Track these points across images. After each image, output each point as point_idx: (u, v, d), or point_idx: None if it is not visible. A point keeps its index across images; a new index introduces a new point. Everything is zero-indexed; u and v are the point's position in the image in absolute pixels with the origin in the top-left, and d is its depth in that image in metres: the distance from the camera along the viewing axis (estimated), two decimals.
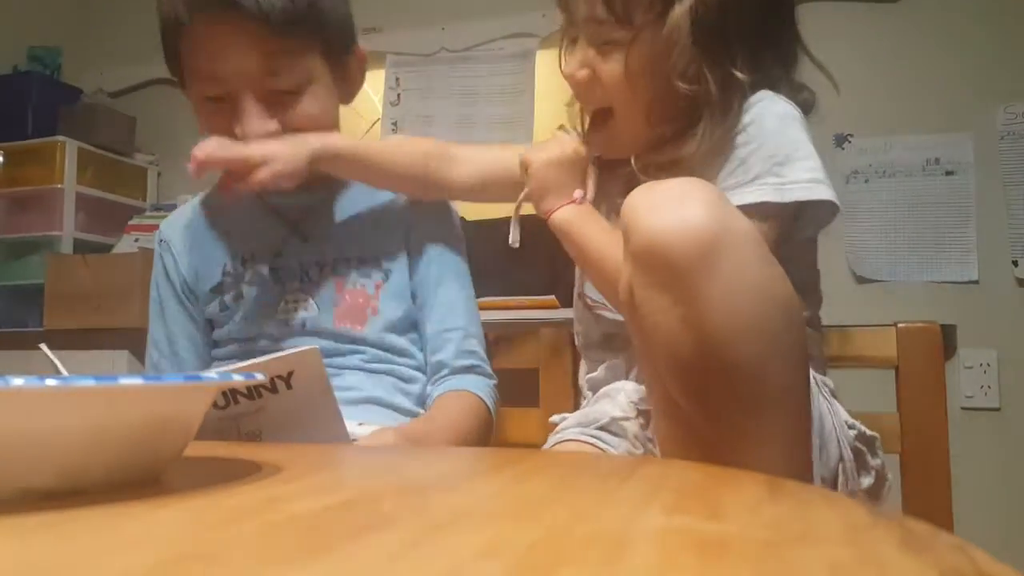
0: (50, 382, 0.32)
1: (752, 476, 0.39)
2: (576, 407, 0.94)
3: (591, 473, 0.42)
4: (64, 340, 2.02)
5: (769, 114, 0.76)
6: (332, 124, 0.99)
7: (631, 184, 0.83)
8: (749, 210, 0.72)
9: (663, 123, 0.80)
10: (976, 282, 1.94)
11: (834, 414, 0.75)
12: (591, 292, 0.90)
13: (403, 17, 2.39)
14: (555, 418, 0.93)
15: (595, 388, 0.90)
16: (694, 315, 0.57)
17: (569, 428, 0.87)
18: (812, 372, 0.76)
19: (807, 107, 0.81)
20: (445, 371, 0.99)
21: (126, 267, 2.05)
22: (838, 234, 2.00)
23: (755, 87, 0.78)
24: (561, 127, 0.92)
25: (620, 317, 0.84)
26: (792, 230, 0.78)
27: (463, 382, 0.99)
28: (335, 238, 1.01)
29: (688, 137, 0.78)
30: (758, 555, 0.24)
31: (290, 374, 0.68)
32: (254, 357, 0.92)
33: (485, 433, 0.99)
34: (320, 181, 1.00)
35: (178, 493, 0.35)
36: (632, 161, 0.83)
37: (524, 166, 0.89)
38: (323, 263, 0.99)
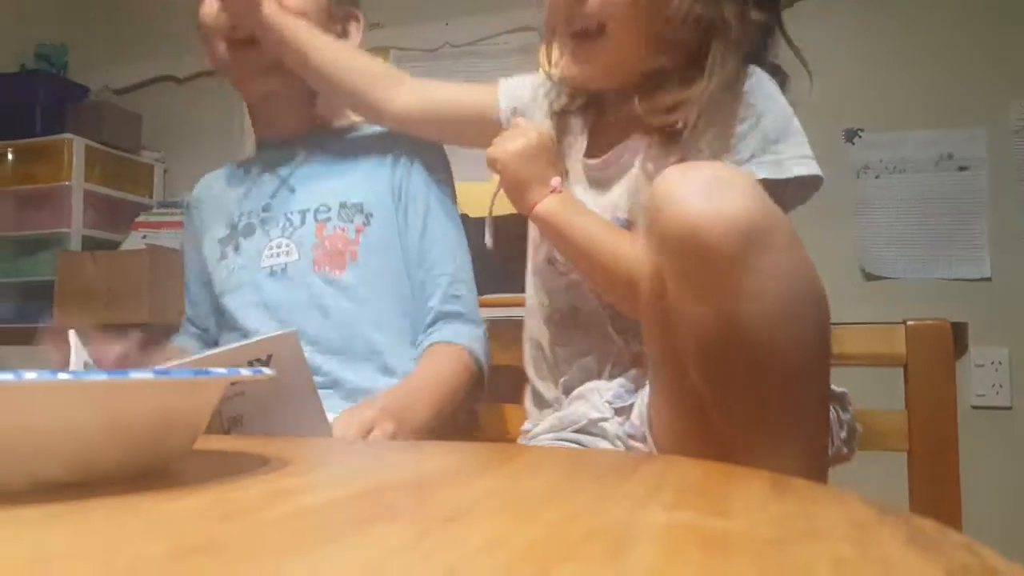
0: (62, 376, 0.33)
1: (756, 473, 0.38)
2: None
3: (593, 469, 0.42)
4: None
5: (762, 91, 0.76)
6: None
7: (627, 130, 0.83)
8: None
9: (663, 52, 0.78)
10: (988, 279, 1.92)
11: None
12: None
13: (406, 12, 2.38)
14: (526, 425, 0.91)
15: (567, 391, 0.87)
16: (730, 306, 0.56)
17: (542, 435, 0.85)
18: None
19: (782, 88, 0.80)
20: (431, 316, 1.01)
21: (134, 264, 2.06)
22: (848, 230, 1.99)
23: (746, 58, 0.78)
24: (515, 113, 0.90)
25: (587, 286, 0.83)
26: (785, 205, 0.77)
27: (449, 332, 0.99)
28: (319, 186, 1.05)
29: (694, 75, 0.76)
30: (762, 552, 0.24)
31: (268, 357, 0.69)
32: (241, 309, 1.00)
33: (475, 387, 1.00)
34: (306, 132, 1.09)
35: (187, 485, 0.35)
36: (636, 103, 0.79)
37: (491, 163, 0.86)
38: (305, 210, 1.03)
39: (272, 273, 1.00)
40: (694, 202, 0.55)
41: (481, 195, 0.95)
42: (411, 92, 0.99)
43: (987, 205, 1.94)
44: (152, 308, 2.02)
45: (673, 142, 0.78)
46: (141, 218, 2.41)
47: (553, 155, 0.85)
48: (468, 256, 1.06)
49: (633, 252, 0.71)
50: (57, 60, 2.58)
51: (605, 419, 0.79)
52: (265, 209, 1.06)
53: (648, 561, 0.22)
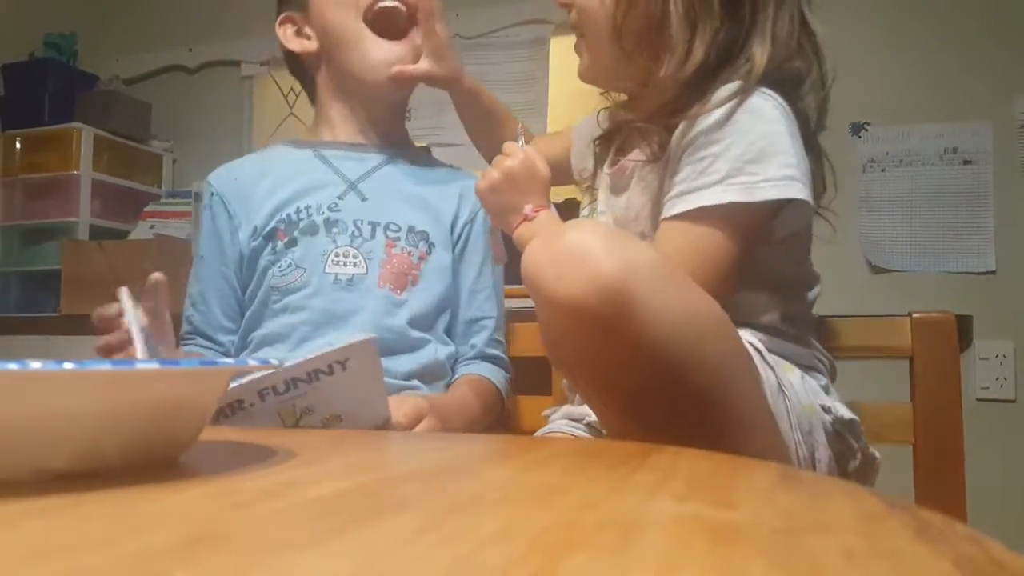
0: (67, 365, 0.33)
1: (764, 465, 0.39)
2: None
3: (603, 461, 0.42)
4: (80, 326, 2.03)
5: (743, 110, 0.74)
6: None
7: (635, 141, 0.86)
8: (713, 212, 0.72)
9: (631, 42, 0.82)
10: (993, 273, 1.92)
11: (791, 408, 0.72)
12: None
13: None
14: (547, 412, 0.94)
15: None
16: (634, 363, 0.57)
17: (558, 420, 0.88)
18: (795, 371, 0.76)
19: (799, 78, 0.79)
20: (474, 353, 1.06)
21: (142, 253, 2.07)
22: (853, 223, 1.99)
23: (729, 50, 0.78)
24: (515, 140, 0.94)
25: None
26: (770, 230, 0.77)
27: (483, 369, 1.05)
28: (391, 203, 1.05)
29: (661, 62, 0.79)
30: (770, 542, 0.24)
31: (346, 360, 0.74)
32: (295, 312, 0.99)
33: (494, 414, 1.04)
34: (383, 146, 1.09)
35: (194, 476, 0.35)
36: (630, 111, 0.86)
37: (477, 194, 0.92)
38: (376, 223, 1.02)
39: (336, 280, 0.99)
40: (565, 280, 0.56)
41: None
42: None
43: (992, 199, 1.93)
44: None
45: (657, 157, 0.81)
46: (149, 208, 2.42)
47: (536, 177, 0.87)
48: (503, 298, 1.11)
49: None
50: (66, 49, 2.58)
51: None
52: (332, 209, 1.03)
53: (657, 551, 0.22)
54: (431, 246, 1.04)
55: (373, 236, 1.02)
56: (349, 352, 0.74)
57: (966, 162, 1.96)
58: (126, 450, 0.35)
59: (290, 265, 1.00)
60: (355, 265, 1.00)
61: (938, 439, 0.90)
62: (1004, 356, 1.88)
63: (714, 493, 0.32)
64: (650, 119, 0.80)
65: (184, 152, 2.64)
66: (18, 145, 2.39)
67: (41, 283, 2.27)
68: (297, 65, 1.12)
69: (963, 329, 0.94)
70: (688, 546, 0.23)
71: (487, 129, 1.11)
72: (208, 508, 0.29)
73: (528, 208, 0.85)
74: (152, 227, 2.32)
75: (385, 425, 0.80)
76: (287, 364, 0.73)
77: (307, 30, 1.08)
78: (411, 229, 1.03)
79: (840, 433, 0.74)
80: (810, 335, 0.83)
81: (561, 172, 1.01)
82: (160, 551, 0.22)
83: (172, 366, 0.36)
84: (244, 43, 2.53)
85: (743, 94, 0.74)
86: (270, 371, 0.70)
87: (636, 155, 0.85)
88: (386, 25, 1.04)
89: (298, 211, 1.03)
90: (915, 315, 0.94)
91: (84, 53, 2.64)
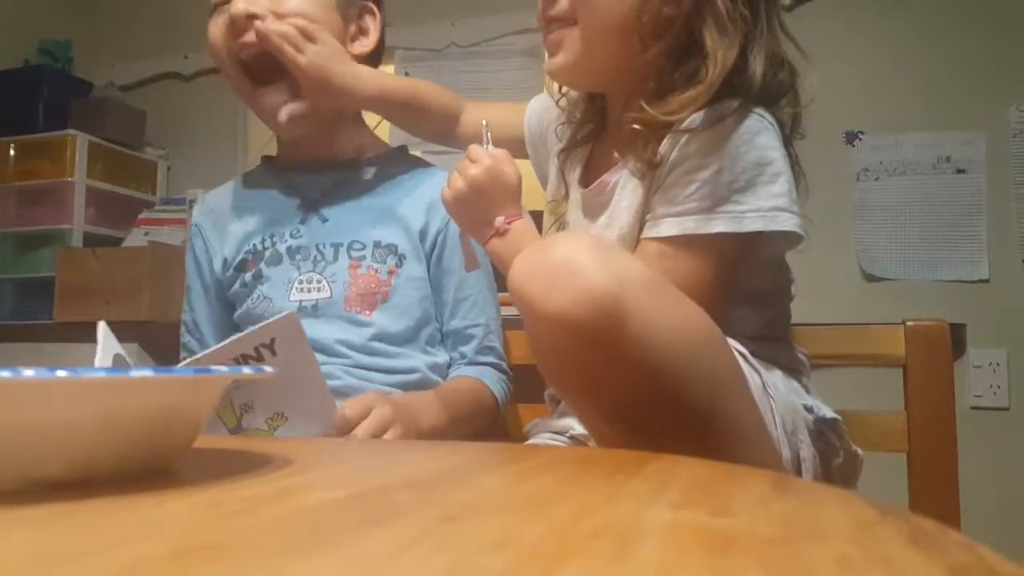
0: (60, 373, 0.33)
1: (759, 473, 0.39)
2: None
3: (598, 469, 0.42)
4: (74, 333, 2.03)
5: (737, 134, 0.72)
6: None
7: (618, 156, 0.81)
8: (699, 240, 0.72)
9: (647, 42, 0.76)
10: (986, 281, 1.93)
11: (775, 408, 0.71)
12: None
13: (413, 12, 2.38)
14: (528, 426, 0.93)
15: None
16: (624, 376, 0.56)
17: (541, 435, 0.87)
18: (779, 349, 0.76)
19: (782, 91, 0.77)
20: (464, 361, 1.03)
21: (136, 261, 2.07)
22: (847, 232, 2.00)
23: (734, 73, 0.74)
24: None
25: None
26: (756, 251, 0.76)
27: (475, 371, 1.02)
28: (353, 221, 1.02)
29: (691, 80, 0.74)
30: (766, 551, 0.24)
31: (272, 340, 0.71)
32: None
33: (485, 419, 1.01)
34: (342, 158, 1.04)
35: (188, 484, 0.35)
36: (624, 113, 0.78)
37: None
38: (339, 244, 1.00)
39: (301, 308, 0.97)
40: (554, 293, 0.55)
41: None
42: (468, 118, 1.01)
43: (985, 207, 1.95)
44: (153, 305, 2.02)
45: (647, 175, 0.77)
46: (144, 215, 2.42)
47: (504, 184, 0.81)
48: (497, 303, 1.08)
49: None
50: (61, 56, 2.58)
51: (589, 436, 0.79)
52: (294, 236, 1.01)
53: (654, 560, 0.22)
54: (401, 259, 1.01)
55: (336, 258, 0.99)
56: (272, 331, 0.71)
57: (959, 171, 1.97)
58: (120, 458, 0.35)
59: (259, 297, 1.00)
60: (319, 290, 0.98)
61: (932, 447, 0.90)
62: (997, 364, 1.89)
63: (710, 501, 0.32)
64: (664, 125, 0.75)
65: (179, 159, 2.64)
66: (12, 152, 2.38)
67: (35, 290, 2.27)
68: None
69: (957, 337, 0.94)
70: (684, 555, 0.23)
71: (416, 124, 1.04)
72: (202, 517, 0.29)
73: (499, 220, 0.80)
74: (146, 234, 2.32)
75: (337, 424, 0.77)
76: (208, 351, 0.71)
77: None
78: (377, 244, 1.00)
79: (823, 432, 0.74)
80: (788, 334, 0.83)
81: (519, 148, 0.96)
82: (154, 560, 0.22)
83: (165, 374, 0.36)
84: None
85: (739, 114, 0.73)
86: (187, 361, 0.68)
87: (620, 169, 0.81)
88: (262, 68, 0.97)
89: (263, 241, 1.02)
90: (909, 323, 0.94)
91: (79, 60, 2.64)
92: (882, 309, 1.87)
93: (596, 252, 0.56)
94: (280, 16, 0.94)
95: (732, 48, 0.73)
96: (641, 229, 0.77)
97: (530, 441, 0.88)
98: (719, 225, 0.71)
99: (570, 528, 0.26)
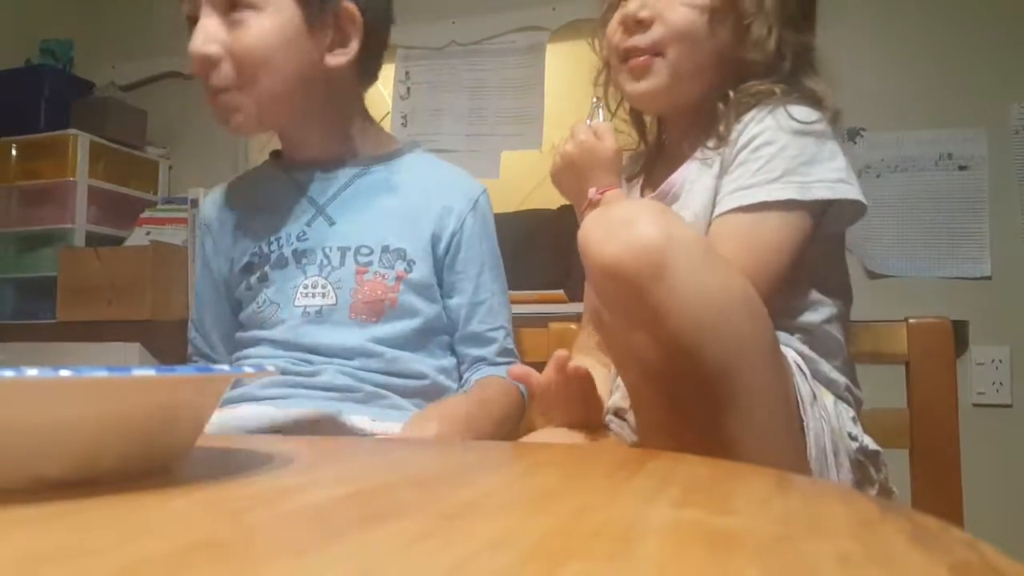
0: (64, 373, 0.33)
1: (760, 471, 0.39)
2: None
3: (600, 467, 0.42)
4: (76, 332, 2.04)
5: (797, 117, 0.77)
6: (278, 63, 0.92)
7: (680, 159, 0.86)
8: (771, 207, 0.74)
9: (727, 72, 0.81)
10: (989, 278, 1.92)
11: (828, 424, 0.73)
12: None
13: (413, 10, 2.38)
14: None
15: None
16: (658, 328, 0.59)
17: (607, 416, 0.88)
18: (835, 377, 0.77)
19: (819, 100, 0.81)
20: (483, 363, 1.03)
21: (138, 260, 2.07)
22: (850, 229, 1.99)
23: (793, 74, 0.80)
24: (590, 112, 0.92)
25: None
26: (823, 226, 0.79)
27: (500, 371, 1.02)
28: (361, 223, 0.99)
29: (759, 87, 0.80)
30: (767, 548, 0.24)
31: None
32: (272, 343, 0.96)
33: (519, 416, 1.02)
34: (351, 157, 1.02)
35: (190, 483, 0.35)
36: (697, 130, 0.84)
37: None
38: (345, 248, 0.98)
39: (306, 314, 0.95)
40: (608, 241, 0.60)
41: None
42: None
43: (987, 204, 1.94)
44: (155, 305, 2.03)
45: (724, 139, 0.81)
46: (145, 214, 2.41)
47: (598, 156, 0.86)
48: (509, 302, 1.08)
49: None
50: (62, 55, 2.58)
51: (627, 409, 0.80)
52: (300, 239, 0.98)
53: (655, 558, 0.22)
54: (410, 264, 0.98)
55: (342, 263, 0.97)
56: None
57: (961, 168, 1.97)
58: (123, 457, 0.35)
59: (265, 301, 0.98)
60: (324, 296, 0.96)
61: (935, 444, 0.90)
62: (1000, 361, 1.89)
63: (711, 499, 0.32)
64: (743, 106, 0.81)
65: (180, 158, 2.64)
66: (14, 152, 2.38)
67: (37, 290, 2.27)
68: None
69: (959, 334, 0.94)
70: (685, 552, 0.23)
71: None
72: (205, 515, 0.29)
73: (592, 192, 0.84)
74: (148, 233, 2.32)
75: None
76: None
77: None
78: (385, 249, 0.98)
79: (863, 463, 0.75)
80: (843, 357, 0.83)
81: None
82: (157, 559, 0.22)
83: (167, 374, 0.36)
84: None
85: (792, 100, 0.78)
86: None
87: (685, 168, 0.84)
88: None
89: (269, 243, 0.99)
90: (911, 320, 0.94)
91: (80, 60, 2.63)
92: (884, 306, 1.86)
93: (653, 212, 0.61)
94: (236, 54, 0.90)
95: (777, 31, 0.79)
96: (712, 211, 0.80)
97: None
98: (788, 192, 0.74)
99: (572, 526, 0.26)
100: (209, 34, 0.90)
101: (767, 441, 0.63)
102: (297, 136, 1.03)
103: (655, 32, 0.82)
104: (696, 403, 0.61)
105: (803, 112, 0.78)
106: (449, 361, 1.02)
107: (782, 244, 0.75)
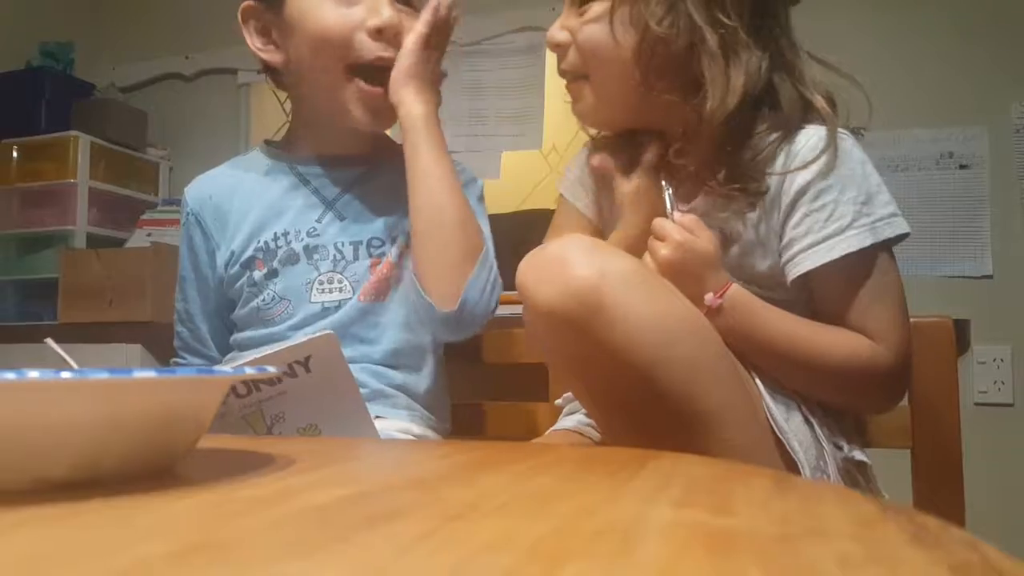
0: (65, 375, 0.33)
1: (760, 471, 0.39)
2: None
3: (600, 468, 0.42)
4: (78, 334, 2.03)
5: (841, 152, 0.77)
6: None
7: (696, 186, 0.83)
8: (860, 256, 0.76)
9: (655, 79, 0.77)
10: (990, 277, 1.92)
11: (812, 433, 0.73)
12: None
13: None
14: (559, 401, 0.94)
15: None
16: (609, 363, 0.60)
17: (575, 413, 0.88)
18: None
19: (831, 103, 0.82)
20: None
21: (139, 262, 2.07)
22: None
23: (772, 63, 0.78)
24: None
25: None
26: None
27: None
28: (372, 217, 0.99)
29: (700, 99, 0.76)
30: (767, 549, 0.24)
31: (307, 358, 0.71)
32: (279, 343, 0.93)
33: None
34: (361, 154, 1.01)
35: (192, 484, 0.35)
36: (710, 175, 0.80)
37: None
38: (358, 242, 0.97)
39: (324, 309, 0.95)
40: (544, 286, 0.61)
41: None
42: None
43: (988, 203, 1.94)
44: (156, 306, 2.02)
45: (753, 205, 0.78)
46: (146, 216, 2.42)
47: (699, 256, 0.75)
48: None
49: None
50: (63, 57, 2.58)
51: None
52: (311, 234, 0.97)
53: (655, 558, 0.22)
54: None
55: (356, 257, 0.97)
56: (309, 349, 0.70)
57: (962, 167, 1.96)
58: (124, 459, 0.35)
59: (274, 298, 0.96)
60: (340, 290, 0.95)
61: (936, 443, 0.90)
62: (1002, 360, 1.89)
63: (711, 500, 0.32)
64: (708, 162, 0.78)
65: (181, 160, 2.64)
66: (15, 154, 2.39)
67: (39, 292, 2.27)
68: (264, 63, 1.04)
69: (961, 333, 0.94)
70: (686, 553, 0.23)
71: None
72: (206, 517, 0.29)
73: (709, 298, 0.74)
74: (149, 235, 2.32)
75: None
76: (240, 362, 0.70)
77: (275, 36, 1.00)
78: (394, 240, 0.98)
79: (850, 472, 0.76)
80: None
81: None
82: (159, 560, 0.22)
83: (169, 375, 0.37)
84: (241, 51, 2.49)
85: (832, 137, 0.78)
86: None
87: (701, 202, 0.81)
88: (367, 69, 0.94)
89: (275, 238, 0.98)
90: (912, 319, 0.94)
91: (80, 61, 2.64)
92: None
93: (585, 249, 0.61)
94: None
95: (739, 75, 0.75)
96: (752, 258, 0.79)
97: (562, 417, 0.90)
98: (863, 239, 0.76)
99: (572, 527, 0.26)
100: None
101: (742, 459, 0.62)
102: (316, 136, 1.02)
103: (571, 57, 0.82)
104: (663, 429, 0.62)
105: (845, 146, 0.78)
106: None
107: (892, 284, 0.81)
